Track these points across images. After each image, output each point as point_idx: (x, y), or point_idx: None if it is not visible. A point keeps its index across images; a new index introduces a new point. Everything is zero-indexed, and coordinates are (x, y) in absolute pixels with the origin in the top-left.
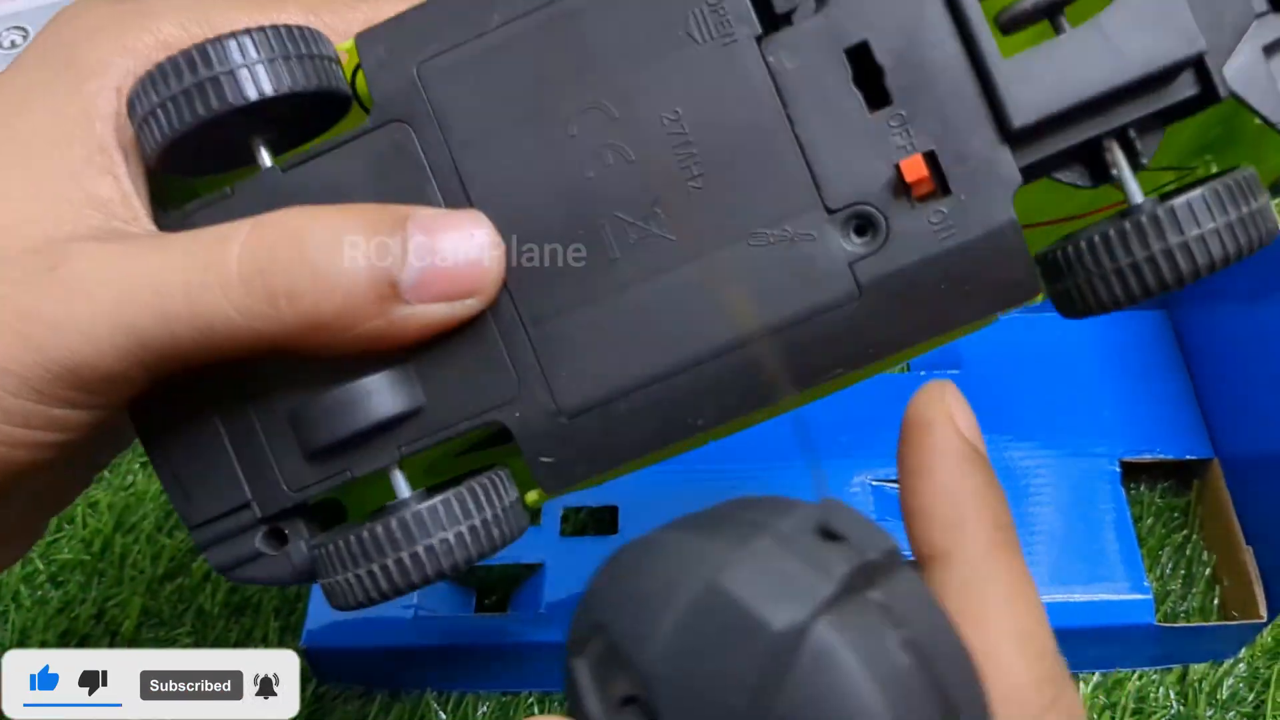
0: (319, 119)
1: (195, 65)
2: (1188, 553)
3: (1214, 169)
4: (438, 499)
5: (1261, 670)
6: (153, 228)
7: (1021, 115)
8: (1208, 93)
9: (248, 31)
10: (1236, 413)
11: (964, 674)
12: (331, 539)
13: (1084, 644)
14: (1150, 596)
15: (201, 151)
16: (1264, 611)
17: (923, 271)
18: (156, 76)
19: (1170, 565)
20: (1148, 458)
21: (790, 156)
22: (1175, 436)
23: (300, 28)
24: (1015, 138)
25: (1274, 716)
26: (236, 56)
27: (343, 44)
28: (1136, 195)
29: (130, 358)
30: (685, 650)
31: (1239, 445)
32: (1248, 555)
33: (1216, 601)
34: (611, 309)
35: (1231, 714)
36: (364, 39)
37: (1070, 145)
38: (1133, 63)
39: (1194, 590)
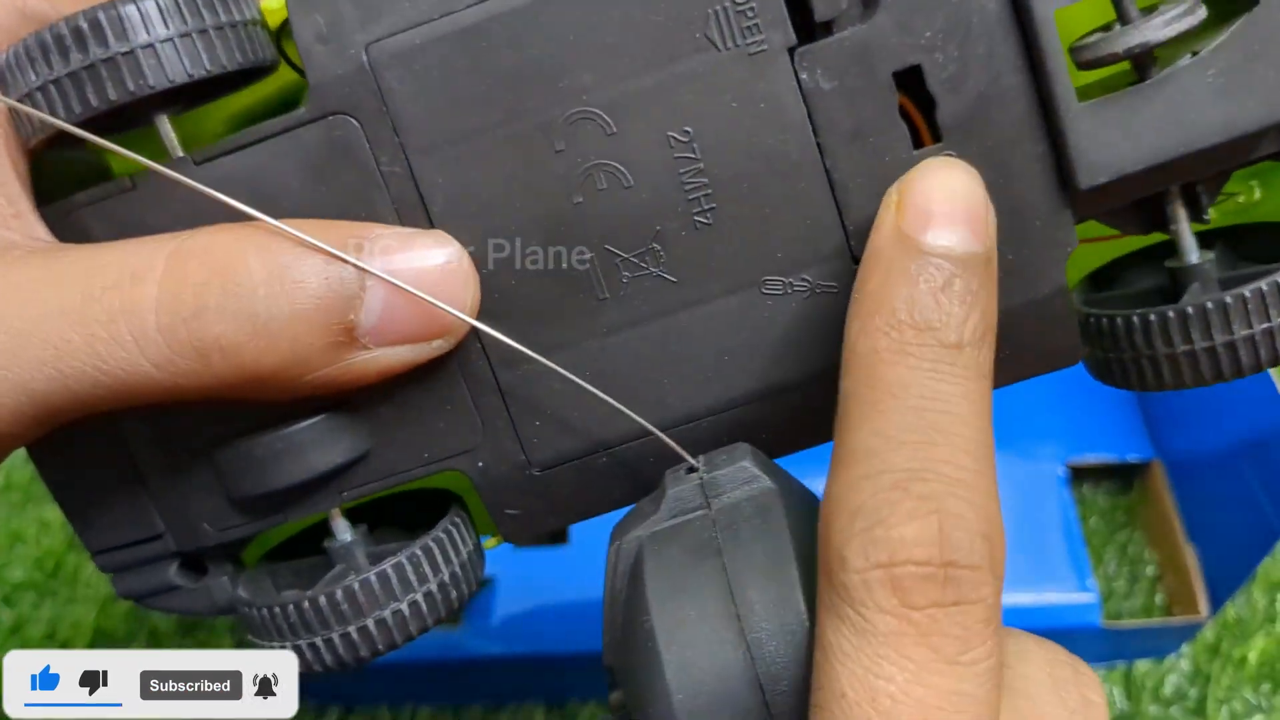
0: (237, 82)
1: (86, 42)
2: (1130, 552)
3: (1257, 194)
4: (388, 564)
5: (1203, 667)
6: (37, 224)
7: (1090, 177)
8: None
9: None
10: (1176, 414)
11: (765, 569)
12: (263, 600)
13: None
14: (1096, 599)
15: (90, 125)
16: (1204, 609)
17: None
18: (35, 50)
19: (1115, 564)
20: (1091, 459)
21: (818, 194)
22: (1118, 438)
23: None
24: (1077, 196)
25: (1215, 712)
26: (140, 32)
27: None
28: (1193, 253)
29: (23, 418)
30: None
31: (1179, 446)
32: (1189, 554)
33: (1159, 599)
34: (596, 355)
35: (1175, 709)
36: (298, 2)
37: (1130, 200)
38: (1223, 125)
39: (1137, 587)
